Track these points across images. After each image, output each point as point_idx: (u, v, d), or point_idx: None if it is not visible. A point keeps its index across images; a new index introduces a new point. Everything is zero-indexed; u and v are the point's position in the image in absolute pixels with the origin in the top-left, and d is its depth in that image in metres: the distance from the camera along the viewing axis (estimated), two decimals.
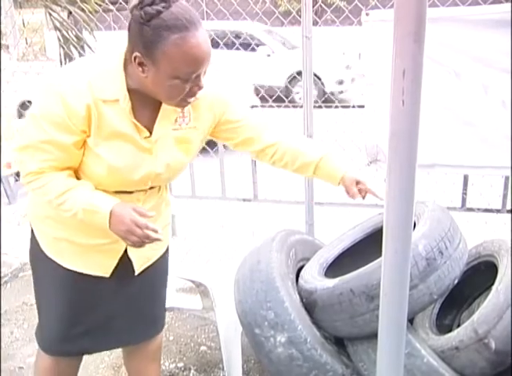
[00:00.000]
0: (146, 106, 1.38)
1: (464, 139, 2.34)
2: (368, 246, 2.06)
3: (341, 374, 1.80)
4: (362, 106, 2.58)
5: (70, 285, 1.53)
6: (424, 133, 2.43)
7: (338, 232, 2.29)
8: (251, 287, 1.90)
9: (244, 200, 3.04)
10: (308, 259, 2.16)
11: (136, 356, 1.76)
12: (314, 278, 1.96)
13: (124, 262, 1.53)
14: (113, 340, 1.65)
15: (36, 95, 1.35)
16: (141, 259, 1.55)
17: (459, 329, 1.72)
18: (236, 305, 1.94)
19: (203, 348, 2.46)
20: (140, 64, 1.26)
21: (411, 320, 1.97)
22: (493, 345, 1.57)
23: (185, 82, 1.27)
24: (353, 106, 2.93)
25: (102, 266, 1.52)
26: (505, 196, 2.49)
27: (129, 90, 1.33)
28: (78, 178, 1.41)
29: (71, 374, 1.73)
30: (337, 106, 2.95)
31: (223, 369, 2.13)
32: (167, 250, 1.69)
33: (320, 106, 2.92)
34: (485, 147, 2.31)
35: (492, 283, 1.76)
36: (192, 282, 2.10)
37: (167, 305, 2.17)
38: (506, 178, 2.53)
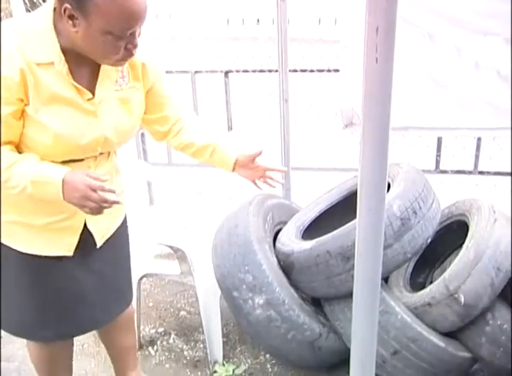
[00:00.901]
0: (84, 67, 1.30)
1: (438, 101, 2.35)
2: (344, 208, 2.09)
3: (318, 333, 1.85)
4: (337, 70, 2.56)
5: (30, 270, 1.44)
6: (398, 96, 2.44)
7: (315, 196, 2.32)
8: (229, 251, 1.91)
9: None
10: (285, 223, 2.18)
11: (108, 328, 1.72)
12: (291, 241, 1.99)
13: (85, 237, 1.45)
14: (88, 321, 1.58)
15: None
16: (101, 230, 1.49)
17: (431, 286, 1.78)
18: (215, 270, 1.96)
19: (182, 313, 2.49)
20: (70, 17, 1.17)
21: (386, 279, 2.02)
22: (463, 300, 1.63)
23: (119, 39, 1.20)
24: (328, 70, 2.91)
25: (64, 245, 1.43)
26: (477, 157, 2.54)
27: (64, 51, 1.25)
28: (20, 152, 1.30)
29: (65, 356, 1.69)
30: (312, 70, 2.93)
31: (203, 333, 2.16)
32: (126, 220, 1.64)
33: (295, 70, 2.88)
34: (458, 109, 2.33)
35: (464, 242, 1.81)
36: (170, 247, 2.10)
37: (146, 271, 2.19)
38: (478, 139, 2.57)
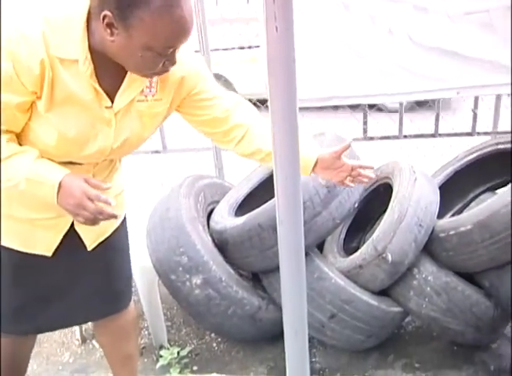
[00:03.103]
0: (109, 72, 1.18)
1: (358, 70, 2.40)
2: None
3: (258, 306, 1.88)
4: (258, 46, 2.57)
5: (8, 265, 1.35)
6: (320, 67, 2.47)
7: (247, 173, 2.33)
8: (163, 236, 1.90)
9: (153, 152, 2.97)
10: (218, 202, 2.18)
11: (105, 332, 1.64)
12: (224, 218, 2.00)
13: (72, 237, 1.35)
14: (67, 317, 1.49)
15: None
16: (91, 233, 1.38)
17: (361, 249, 1.84)
18: (150, 255, 1.95)
19: None
20: (109, 26, 1.06)
21: (321, 248, 2.07)
22: (390, 258, 1.70)
23: (159, 56, 1.10)
24: (249, 47, 2.90)
25: (44, 244, 1.34)
26: (401, 120, 2.61)
27: (91, 50, 1.13)
28: (20, 144, 1.20)
29: (26, 356, 1.61)
30: (233, 48, 2.92)
31: (146, 319, 2.15)
32: (124, 221, 1.54)
33: (217, 49, 2.86)
34: (378, 76, 2.39)
35: None
36: None
37: None
38: (401, 104, 2.65)
